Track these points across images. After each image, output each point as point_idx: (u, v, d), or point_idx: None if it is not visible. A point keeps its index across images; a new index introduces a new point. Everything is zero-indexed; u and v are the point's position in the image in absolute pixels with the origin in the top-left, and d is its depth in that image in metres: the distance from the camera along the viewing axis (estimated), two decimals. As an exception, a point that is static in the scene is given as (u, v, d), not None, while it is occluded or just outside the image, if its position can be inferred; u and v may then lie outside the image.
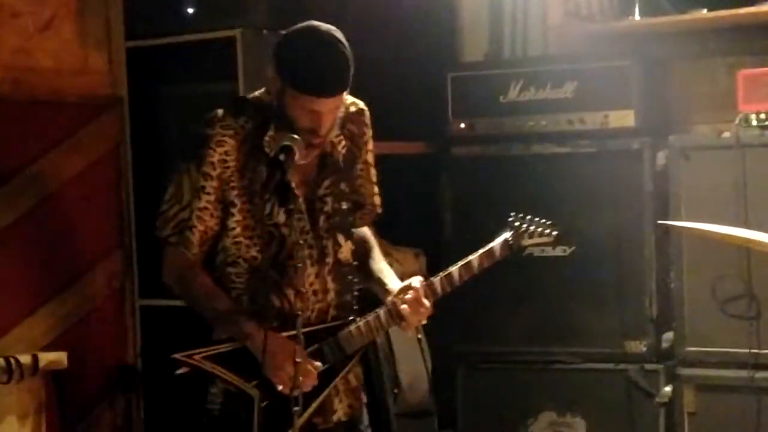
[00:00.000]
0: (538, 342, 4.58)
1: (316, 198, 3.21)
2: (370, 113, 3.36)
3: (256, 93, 3.24)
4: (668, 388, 4.38)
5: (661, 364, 4.43)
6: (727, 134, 4.31)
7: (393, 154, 4.87)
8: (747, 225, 3.53)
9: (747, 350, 4.18)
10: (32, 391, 3.90)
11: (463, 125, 4.74)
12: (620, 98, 4.50)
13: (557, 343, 4.55)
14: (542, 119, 4.61)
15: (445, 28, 5.20)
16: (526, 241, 3.36)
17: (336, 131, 3.20)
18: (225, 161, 3.14)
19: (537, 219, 3.37)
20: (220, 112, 3.17)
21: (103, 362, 4.17)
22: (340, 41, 3.07)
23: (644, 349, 4.44)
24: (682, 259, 4.33)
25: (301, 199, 3.17)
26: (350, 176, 3.28)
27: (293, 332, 3.05)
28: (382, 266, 3.34)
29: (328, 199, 3.22)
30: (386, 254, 4.60)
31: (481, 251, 3.29)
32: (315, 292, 3.20)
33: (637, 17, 4.81)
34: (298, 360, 3.00)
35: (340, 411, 3.26)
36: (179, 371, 3.12)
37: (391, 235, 4.73)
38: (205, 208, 3.15)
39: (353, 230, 3.32)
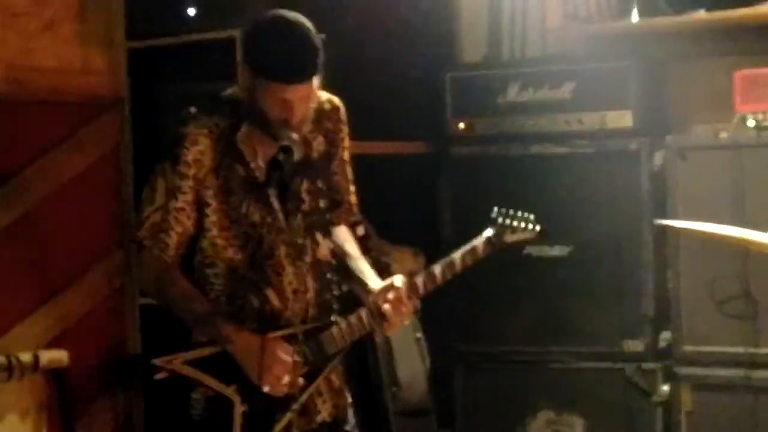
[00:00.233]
0: (537, 341, 4.58)
1: (292, 196, 3.15)
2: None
3: (229, 91, 3.19)
4: (666, 387, 4.40)
5: (659, 364, 4.44)
6: (724, 135, 4.31)
7: (392, 154, 4.89)
8: (744, 225, 3.52)
9: (744, 349, 4.19)
10: (33, 389, 3.89)
11: (462, 125, 4.75)
12: (618, 99, 4.51)
13: (555, 342, 4.56)
14: (541, 119, 4.62)
15: (445, 28, 5.20)
16: (509, 238, 3.29)
17: (310, 127, 3.16)
18: (200, 160, 3.10)
19: (520, 214, 3.30)
20: (193, 110, 3.14)
21: (104, 361, 4.17)
22: (308, 28, 3.03)
23: (642, 348, 4.45)
24: (679, 259, 4.34)
25: (274, 197, 3.12)
26: (327, 174, 3.22)
27: (278, 333, 3.05)
28: (362, 266, 3.27)
29: (306, 198, 3.17)
30: (385, 254, 4.65)
31: (463, 249, 3.25)
32: (294, 292, 3.15)
33: (635, 18, 4.81)
34: (296, 359, 3.00)
35: (324, 412, 3.20)
36: (158, 376, 3.07)
37: (390, 235, 4.74)
38: (182, 209, 3.10)
39: (332, 230, 3.27)
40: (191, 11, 4.48)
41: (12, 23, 3.95)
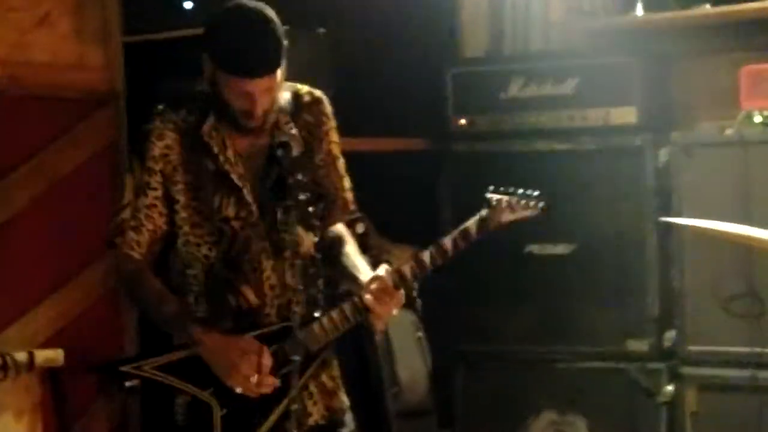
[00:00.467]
0: (539, 341, 4.55)
1: (268, 190, 3.08)
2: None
3: (199, 87, 3.13)
4: (670, 387, 4.37)
5: (663, 363, 4.40)
6: (729, 131, 4.29)
7: (393, 151, 4.87)
8: (750, 222, 3.48)
9: (749, 349, 4.16)
10: (28, 388, 3.89)
11: (463, 122, 4.71)
12: (622, 95, 4.48)
13: (558, 341, 4.53)
14: (543, 116, 4.59)
15: (446, 24, 5.18)
16: (508, 216, 3.08)
17: (286, 119, 3.09)
18: (166, 155, 3.06)
19: (521, 191, 3.10)
20: (160, 106, 3.11)
21: (100, 360, 4.14)
22: (269, 19, 2.97)
23: (646, 347, 4.42)
24: (684, 257, 4.31)
25: (247, 191, 3.07)
26: (307, 167, 3.12)
27: (253, 332, 2.99)
28: (356, 261, 3.18)
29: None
30: (385, 251, 4.61)
31: (454, 232, 3.10)
32: (272, 287, 3.08)
33: (639, 13, 4.79)
34: (266, 357, 2.94)
35: (316, 414, 3.14)
36: (129, 383, 3.03)
37: (391, 232, 4.72)
38: (153, 205, 3.06)
39: (328, 229, 3.21)
40: (188, 5, 4.45)
41: (7, 18, 3.97)
